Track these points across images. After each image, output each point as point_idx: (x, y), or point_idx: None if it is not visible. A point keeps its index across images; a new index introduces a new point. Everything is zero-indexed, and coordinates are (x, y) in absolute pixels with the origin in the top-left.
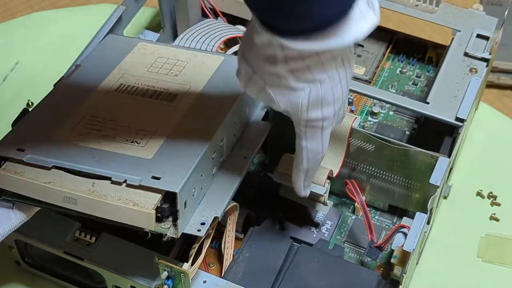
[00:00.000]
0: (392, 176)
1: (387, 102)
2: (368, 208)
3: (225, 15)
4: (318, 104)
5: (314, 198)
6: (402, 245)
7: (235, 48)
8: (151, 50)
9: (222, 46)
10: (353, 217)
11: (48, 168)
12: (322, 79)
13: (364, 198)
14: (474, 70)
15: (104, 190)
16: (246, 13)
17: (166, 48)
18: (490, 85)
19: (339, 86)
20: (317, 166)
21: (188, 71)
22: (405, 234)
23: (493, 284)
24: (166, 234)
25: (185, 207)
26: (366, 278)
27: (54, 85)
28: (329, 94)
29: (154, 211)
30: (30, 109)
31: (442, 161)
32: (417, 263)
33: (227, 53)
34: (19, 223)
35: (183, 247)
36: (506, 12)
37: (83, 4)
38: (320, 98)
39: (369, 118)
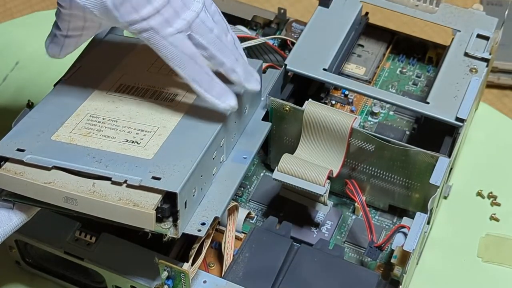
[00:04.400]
0: (392, 176)
1: (387, 102)
2: (368, 208)
3: (225, 15)
4: (125, 3)
5: (314, 198)
6: (402, 245)
7: None
8: (151, 50)
9: None
10: (353, 217)
11: (48, 169)
12: None
13: (364, 198)
14: (474, 70)
15: (104, 190)
16: (246, 13)
17: None
18: (490, 85)
19: None
20: (195, 67)
21: None
22: (405, 234)
23: (493, 284)
24: (166, 234)
25: (185, 207)
26: (366, 278)
27: (54, 85)
28: None
29: (154, 212)
30: (30, 109)
31: (442, 161)
32: (417, 263)
33: None
34: (19, 223)
35: (183, 247)
36: (506, 12)
37: None
38: None
39: (369, 118)
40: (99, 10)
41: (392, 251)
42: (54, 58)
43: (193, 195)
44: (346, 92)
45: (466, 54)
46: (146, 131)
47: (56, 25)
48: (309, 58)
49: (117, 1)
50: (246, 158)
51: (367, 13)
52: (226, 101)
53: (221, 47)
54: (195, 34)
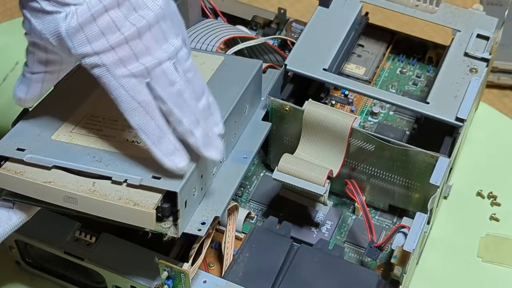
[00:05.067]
0: (392, 176)
1: (387, 102)
2: (368, 208)
3: (225, 15)
4: (79, 33)
5: (314, 198)
6: (402, 245)
7: (235, 48)
8: None
9: (222, 46)
10: (353, 217)
11: (49, 168)
12: (78, 2)
13: (364, 198)
14: (474, 70)
15: (105, 189)
16: (246, 13)
17: None
18: (490, 85)
19: (102, 11)
20: (145, 117)
21: None
22: (405, 234)
23: (493, 284)
24: (166, 234)
25: (185, 206)
26: (366, 278)
27: (54, 85)
28: (88, 20)
29: (154, 211)
30: (30, 109)
31: (442, 161)
32: (417, 263)
33: (227, 53)
34: (19, 223)
35: (183, 247)
36: (506, 12)
37: None
38: (79, 25)
39: (369, 118)
40: (54, 37)
41: (392, 251)
42: (19, 104)
43: (193, 195)
44: (346, 92)
45: (466, 54)
46: None
47: (25, 64)
48: (309, 58)
49: (71, 30)
50: (246, 158)
51: (367, 13)
52: (174, 160)
53: (180, 104)
54: (153, 83)
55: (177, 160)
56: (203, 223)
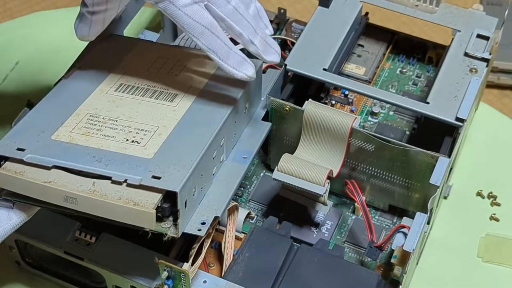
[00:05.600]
0: (392, 176)
1: (387, 102)
2: (368, 208)
3: None
4: None
5: (314, 198)
6: (402, 245)
7: None
8: (151, 50)
9: None
10: (353, 217)
11: (48, 168)
12: None
13: (364, 198)
14: (474, 70)
15: (105, 189)
16: None
17: (166, 48)
18: (490, 85)
19: None
20: (212, 37)
21: (188, 71)
22: (405, 234)
23: (493, 284)
24: (166, 234)
25: (185, 206)
26: (366, 278)
27: (54, 85)
28: None
29: (154, 211)
30: (30, 109)
31: (442, 161)
32: (417, 263)
33: None
34: (19, 223)
35: (183, 247)
36: (506, 12)
37: None
38: None
39: (369, 118)
40: None
41: (392, 251)
42: (83, 40)
43: (193, 195)
44: (346, 92)
45: (466, 54)
46: (146, 131)
47: (82, 3)
48: (309, 58)
49: None
50: (246, 158)
51: (367, 13)
52: (243, 70)
53: (238, 19)
54: (212, 4)
55: (246, 69)
56: (203, 223)
